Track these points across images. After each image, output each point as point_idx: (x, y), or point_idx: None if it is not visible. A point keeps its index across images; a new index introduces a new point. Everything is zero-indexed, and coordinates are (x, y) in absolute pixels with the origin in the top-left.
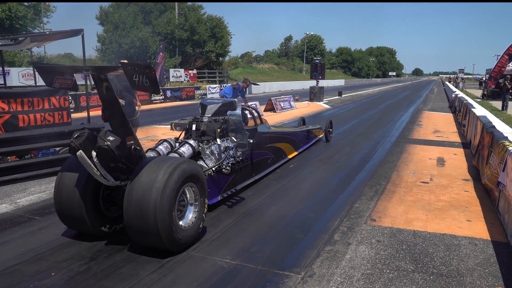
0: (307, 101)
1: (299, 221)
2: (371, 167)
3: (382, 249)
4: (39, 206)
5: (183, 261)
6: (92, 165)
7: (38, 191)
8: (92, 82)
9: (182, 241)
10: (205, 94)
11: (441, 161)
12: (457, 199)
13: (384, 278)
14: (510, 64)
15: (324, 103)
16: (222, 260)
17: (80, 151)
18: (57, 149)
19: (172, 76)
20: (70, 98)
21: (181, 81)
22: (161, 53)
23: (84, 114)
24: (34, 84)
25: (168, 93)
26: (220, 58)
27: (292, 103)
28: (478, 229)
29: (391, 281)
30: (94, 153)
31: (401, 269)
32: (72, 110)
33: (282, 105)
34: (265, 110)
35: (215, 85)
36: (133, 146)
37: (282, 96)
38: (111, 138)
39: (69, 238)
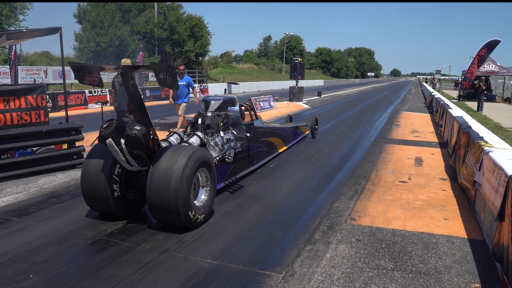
0: (286, 101)
1: (279, 221)
2: (350, 167)
3: (362, 248)
4: (16, 207)
5: (164, 261)
6: (119, 151)
7: (15, 192)
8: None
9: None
10: None
11: (419, 161)
12: (434, 198)
13: (364, 277)
14: (484, 66)
15: (304, 103)
16: (203, 260)
17: (110, 139)
18: (35, 149)
19: (152, 75)
20: (47, 97)
21: None
22: (141, 53)
23: (62, 113)
24: (10, 83)
25: (148, 93)
26: (200, 58)
27: (271, 103)
28: (455, 227)
29: (371, 280)
30: (122, 141)
31: (380, 268)
32: (50, 110)
33: (262, 105)
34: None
35: (194, 85)
36: (152, 136)
37: (262, 96)
38: (138, 128)
39: (48, 239)
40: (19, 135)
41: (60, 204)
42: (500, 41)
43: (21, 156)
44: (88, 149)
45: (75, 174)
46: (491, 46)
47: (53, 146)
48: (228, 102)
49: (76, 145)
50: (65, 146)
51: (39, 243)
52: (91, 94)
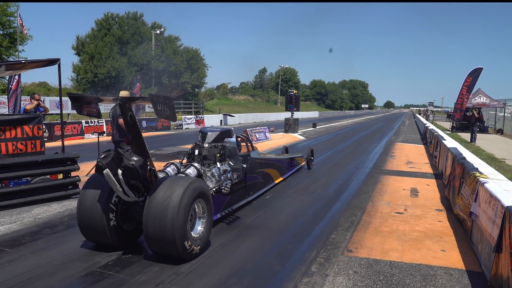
0: (282, 133)
1: (276, 253)
2: (346, 198)
3: (359, 280)
4: (9, 238)
5: None
6: (116, 182)
7: (9, 222)
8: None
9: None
10: (181, 125)
11: (414, 192)
12: (431, 229)
13: None
14: (476, 98)
15: (299, 134)
16: None
17: (107, 169)
18: (30, 178)
19: (148, 106)
20: (44, 127)
21: None
22: (137, 84)
23: (58, 143)
24: (7, 113)
25: (144, 124)
26: (196, 89)
27: (267, 134)
28: (453, 259)
29: None
30: (120, 171)
31: None
32: (46, 139)
33: (258, 136)
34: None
35: (190, 116)
36: (149, 167)
37: (258, 128)
38: (135, 158)
39: (40, 271)
40: (14, 164)
41: (54, 234)
42: (482, 68)
43: (16, 186)
44: (83, 179)
45: (70, 204)
46: (475, 74)
47: (48, 176)
48: (225, 133)
49: (72, 175)
50: (60, 176)
51: (31, 274)
52: (88, 124)
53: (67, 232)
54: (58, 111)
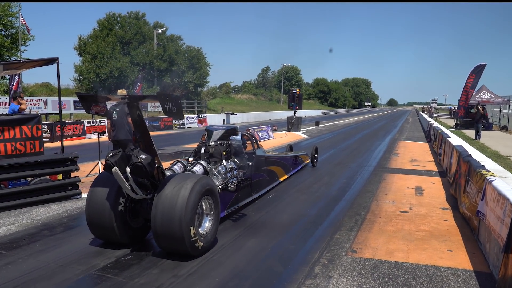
0: (285, 131)
1: (278, 254)
2: (350, 197)
3: (364, 282)
4: (7, 240)
5: None
6: (124, 180)
7: (7, 224)
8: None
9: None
10: (183, 124)
11: (419, 190)
12: (437, 229)
13: None
14: (480, 94)
15: (302, 133)
16: None
17: (115, 167)
18: (29, 179)
19: (151, 106)
20: (44, 127)
21: (159, 111)
22: (139, 83)
23: (60, 143)
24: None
25: (146, 123)
26: (198, 89)
27: (270, 133)
28: (460, 259)
29: None
30: (128, 169)
31: None
32: (48, 140)
33: (260, 135)
34: None
35: (193, 115)
36: (156, 165)
37: (260, 126)
38: (143, 156)
39: (37, 274)
40: (13, 165)
41: (52, 236)
42: (485, 64)
43: (14, 187)
44: (84, 180)
45: (70, 206)
46: (478, 71)
47: (47, 177)
48: (230, 131)
49: (71, 175)
50: (60, 176)
51: (27, 278)
52: (89, 124)
53: (66, 234)
54: (58, 111)
